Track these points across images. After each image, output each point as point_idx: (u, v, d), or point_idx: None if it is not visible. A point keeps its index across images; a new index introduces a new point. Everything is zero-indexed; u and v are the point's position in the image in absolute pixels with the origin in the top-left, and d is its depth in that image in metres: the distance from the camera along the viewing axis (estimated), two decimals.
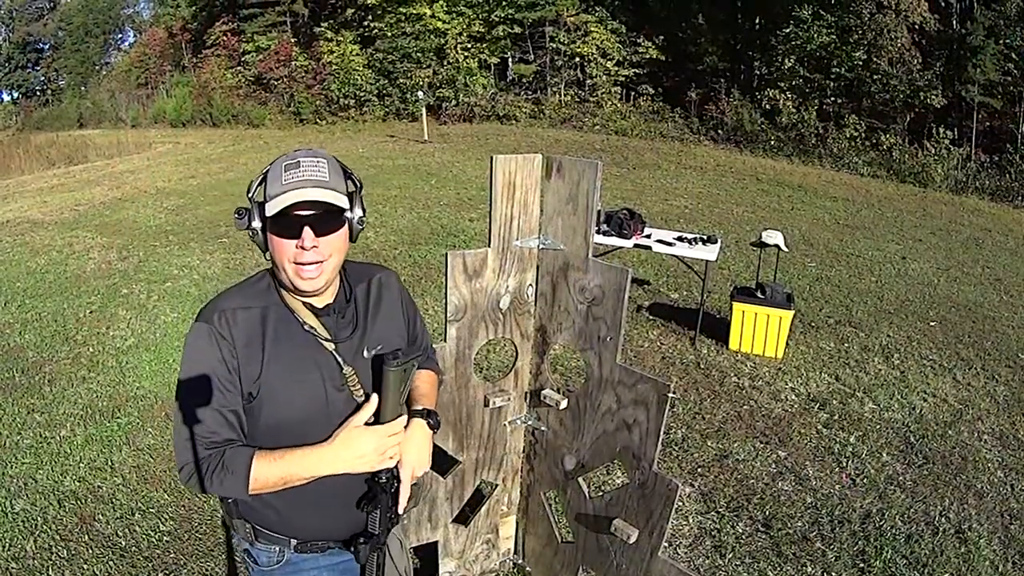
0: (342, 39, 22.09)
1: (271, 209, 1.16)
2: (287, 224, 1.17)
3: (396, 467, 1.29)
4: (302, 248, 1.18)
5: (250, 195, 1.24)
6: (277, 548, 1.31)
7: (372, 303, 1.39)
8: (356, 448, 1.21)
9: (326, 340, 1.26)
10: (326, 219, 1.19)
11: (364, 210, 1.29)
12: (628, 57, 18.80)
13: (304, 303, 1.27)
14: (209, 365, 1.19)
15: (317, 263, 1.20)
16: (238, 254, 7.06)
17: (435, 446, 1.47)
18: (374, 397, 1.24)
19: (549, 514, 2.26)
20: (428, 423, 1.37)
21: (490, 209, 1.84)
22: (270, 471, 1.17)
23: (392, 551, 1.41)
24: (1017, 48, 12.77)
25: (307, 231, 1.17)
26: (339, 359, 1.26)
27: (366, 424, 1.24)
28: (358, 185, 1.29)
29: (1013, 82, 12.93)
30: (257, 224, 1.22)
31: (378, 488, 1.27)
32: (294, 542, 1.30)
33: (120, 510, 2.99)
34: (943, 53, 14.00)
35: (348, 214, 1.24)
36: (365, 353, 1.32)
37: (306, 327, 1.25)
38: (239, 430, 1.21)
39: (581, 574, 2.12)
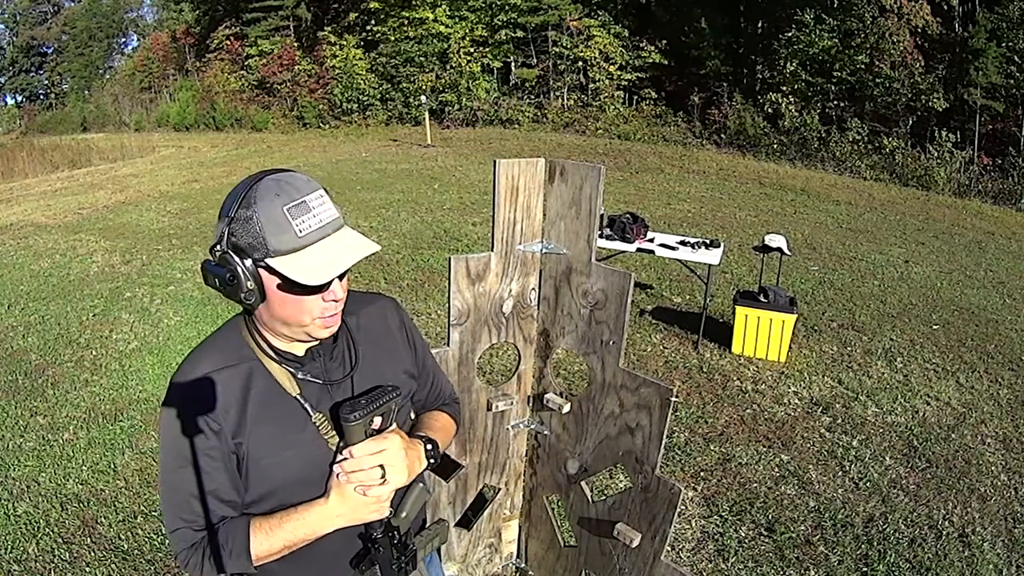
0: (345, 43, 22.17)
1: (311, 276, 0.96)
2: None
3: (389, 519, 1.14)
4: (333, 301, 1.05)
5: (220, 244, 1.00)
6: None
7: (365, 336, 1.22)
8: (353, 496, 1.07)
9: (312, 410, 1.11)
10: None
11: None
12: (631, 61, 18.84)
13: (284, 356, 1.12)
14: (184, 447, 1.05)
15: (339, 310, 1.09)
16: None
17: (444, 455, 1.39)
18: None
19: (552, 518, 2.25)
20: (425, 447, 1.20)
21: (493, 213, 1.84)
22: (271, 541, 1.06)
23: None
24: (1020, 51, 12.76)
25: (336, 283, 1.04)
26: (306, 406, 1.10)
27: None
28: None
29: (1015, 85, 12.91)
30: (252, 284, 1.00)
31: (372, 543, 1.14)
32: None
33: (122, 513, 3.00)
34: (945, 56, 14.00)
35: None
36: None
37: (291, 395, 1.11)
38: (230, 506, 1.09)
39: None
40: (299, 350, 1.13)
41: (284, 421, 1.09)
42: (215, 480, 1.06)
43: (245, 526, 1.06)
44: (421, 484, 1.23)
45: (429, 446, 1.21)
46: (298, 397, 1.10)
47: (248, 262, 0.99)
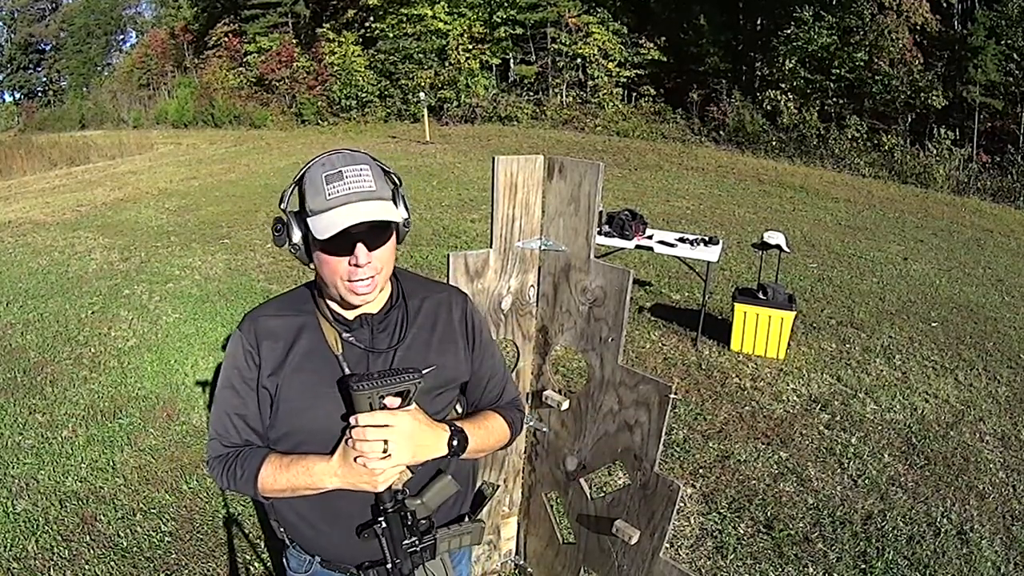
0: (344, 40, 22.13)
1: (322, 231, 1.06)
2: (338, 242, 1.08)
3: (403, 499, 1.18)
4: (356, 266, 1.10)
5: (283, 206, 1.16)
6: (307, 558, 1.31)
7: (422, 320, 1.28)
8: (351, 463, 1.11)
9: (347, 372, 1.18)
10: (378, 232, 1.12)
11: (408, 209, 1.21)
12: (629, 58, 18.81)
13: (337, 317, 1.22)
14: (233, 372, 1.21)
15: (370, 278, 1.13)
16: (240, 255, 7.07)
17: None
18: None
19: (551, 515, 2.26)
20: (451, 435, 1.20)
21: (492, 210, 1.84)
22: (277, 476, 1.15)
23: None
24: (1018, 49, 12.75)
25: (360, 248, 1.09)
26: (343, 365, 1.18)
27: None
28: (398, 182, 1.19)
29: (1015, 83, 12.90)
30: (298, 238, 1.14)
31: (378, 516, 1.17)
32: (319, 558, 1.29)
33: (121, 511, 3.00)
34: (944, 54, 13.98)
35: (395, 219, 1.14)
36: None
37: (334, 353, 1.20)
38: (257, 434, 1.22)
39: (582, 575, 2.12)
40: (350, 315, 1.23)
41: (319, 373, 1.18)
42: (247, 406, 1.20)
43: (261, 456, 1.18)
44: (449, 477, 1.24)
45: (455, 439, 1.20)
46: (339, 356, 1.19)
47: (296, 220, 1.15)
